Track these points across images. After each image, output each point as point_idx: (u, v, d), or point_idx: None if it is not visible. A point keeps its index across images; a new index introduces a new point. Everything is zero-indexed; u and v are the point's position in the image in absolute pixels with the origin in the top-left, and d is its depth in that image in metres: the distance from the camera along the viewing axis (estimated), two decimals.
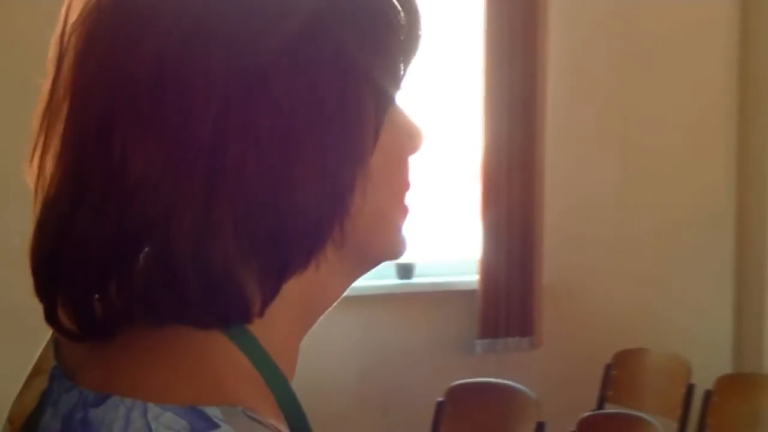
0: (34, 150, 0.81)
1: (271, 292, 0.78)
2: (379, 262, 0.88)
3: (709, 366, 4.65)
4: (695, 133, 5.23)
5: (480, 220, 4.75)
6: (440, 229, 4.85)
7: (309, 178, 0.76)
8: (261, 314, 0.78)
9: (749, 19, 5.20)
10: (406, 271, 4.75)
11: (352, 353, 4.66)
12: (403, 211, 0.87)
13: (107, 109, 0.74)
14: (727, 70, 5.27)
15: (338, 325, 4.19)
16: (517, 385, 3.97)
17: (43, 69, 0.81)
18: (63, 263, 0.76)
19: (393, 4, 0.82)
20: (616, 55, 5.07)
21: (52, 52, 0.81)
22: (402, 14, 0.82)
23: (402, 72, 0.84)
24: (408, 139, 0.86)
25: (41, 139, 0.81)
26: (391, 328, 4.77)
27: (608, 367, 4.62)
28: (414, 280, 4.81)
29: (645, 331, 5.01)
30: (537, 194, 4.81)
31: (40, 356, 0.89)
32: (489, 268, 4.77)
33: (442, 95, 4.76)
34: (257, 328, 0.79)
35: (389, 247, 0.87)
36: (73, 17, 0.80)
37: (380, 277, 4.64)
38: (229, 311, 0.77)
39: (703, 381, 4.36)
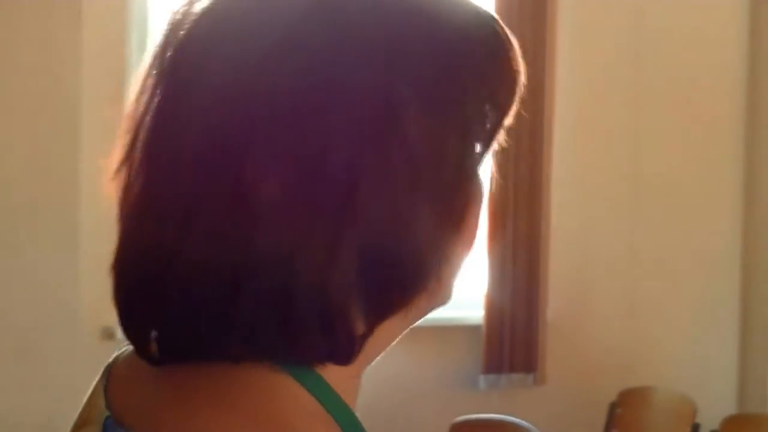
0: (123, 161, 0.78)
1: (367, 333, 0.77)
2: (430, 311, 0.86)
3: (714, 405, 4.63)
4: (704, 172, 5.23)
5: (486, 255, 4.74)
6: None
7: (427, 223, 0.75)
8: (357, 355, 0.76)
9: (760, 63, 5.21)
10: None
11: None
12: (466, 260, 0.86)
13: (240, 132, 0.72)
14: (736, 105, 5.26)
15: None
16: (522, 422, 3.94)
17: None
18: (170, 287, 0.73)
19: (514, 59, 0.83)
20: (624, 89, 5.07)
21: (148, 62, 0.79)
22: (520, 74, 0.84)
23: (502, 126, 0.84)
24: (482, 192, 0.85)
25: (130, 155, 0.78)
26: (394, 363, 4.71)
27: (613, 405, 4.59)
28: None
29: (650, 370, 4.99)
30: (543, 231, 4.81)
31: (85, 406, 0.86)
32: (494, 303, 4.76)
33: None
34: (323, 369, 0.76)
35: (450, 294, 0.86)
36: (177, 20, 0.78)
37: None
38: (337, 349, 0.75)
39: (708, 420, 4.33)
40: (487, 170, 0.84)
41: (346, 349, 0.75)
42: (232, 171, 0.71)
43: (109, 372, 0.87)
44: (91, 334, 4.13)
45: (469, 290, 4.85)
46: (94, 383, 0.87)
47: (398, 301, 0.77)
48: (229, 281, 0.71)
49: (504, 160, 4.66)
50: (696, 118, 5.17)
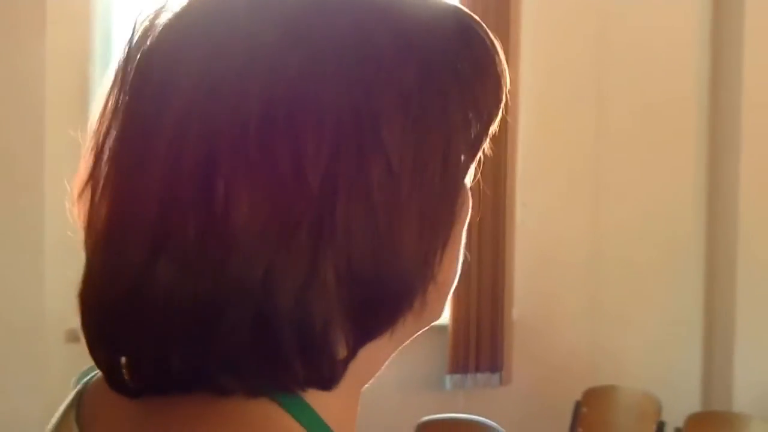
0: (85, 185, 0.74)
1: (349, 356, 0.72)
2: (420, 331, 0.82)
3: (679, 403, 4.66)
4: (666, 175, 5.26)
5: None
6: None
7: (408, 242, 0.71)
8: (339, 379, 0.72)
9: (721, 70, 5.26)
10: None
11: None
12: (456, 277, 0.83)
13: (208, 150, 0.67)
14: (698, 111, 5.30)
15: None
16: (488, 422, 3.95)
17: None
18: (140, 317, 0.68)
19: (498, 64, 0.79)
20: (587, 93, 5.09)
21: (111, 75, 0.75)
22: (504, 75, 0.79)
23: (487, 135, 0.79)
24: (469, 204, 0.81)
25: (96, 175, 0.73)
26: None
27: (578, 404, 4.61)
28: None
29: (615, 369, 5.02)
30: (507, 233, 4.82)
31: None
32: (459, 304, 4.77)
33: None
34: (313, 396, 0.72)
35: (439, 314, 0.82)
36: (138, 35, 0.74)
37: None
38: (319, 374, 0.70)
39: (673, 418, 4.36)
40: (471, 181, 0.80)
41: (327, 374, 0.71)
42: (201, 191, 0.67)
43: (80, 400, 0.83)
44: (57, 336, 4.11)
45: None
46: (61, 410, 0.83)
47: (381, 322, 0.73)
48: (202, 309, 0.67)
49: None
50: (658, 122, 5.20)
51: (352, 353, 0.72)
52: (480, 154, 0.80)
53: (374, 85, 0.70)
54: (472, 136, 0.77)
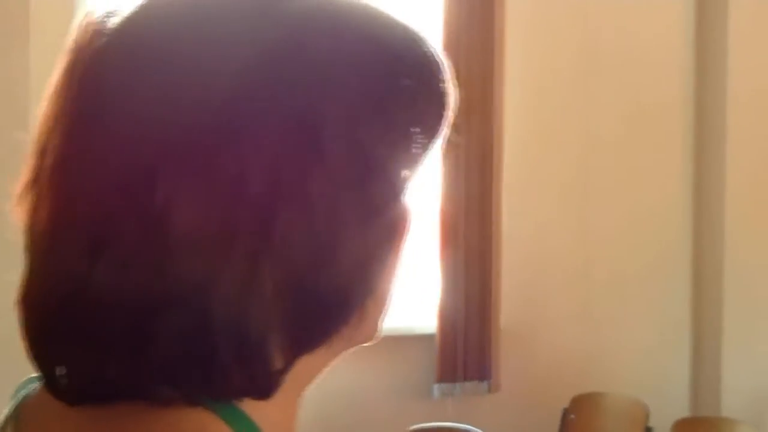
0: (30, 186, 0.73)
1: (286, 367, 0.72)
2: (358, 345, 0.81)
3: (667, 409, 4.67)
4: (653, 179, 5.28)
5: (438, 265, 4.75)
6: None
7: (348, 254, 0.71)
8: (275, 389, 0.72)
9: (705, 73, 5.28)
10: None
11: (310, 398, 4.58)
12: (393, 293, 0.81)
13: (152, 155, 0.67)
14: (683, 113, 5.32)
15: None
16: (477, 430, 3.96)
17: None
18: (77, 322, 0.68)
19: (443, 81, 0.78)
20: (573, 99, 5.10)
21: (57, 77, 0.74)
22: (446, 87, 0.79)
23: (430, 148, 0.79)
24: (409, 220, 0.79)
25: (39, 178, 0.73)
26: (348, 372, 4.72)
27: (566, 411, 4.61)
28: None
29: (602, 375, 5.02)
30: (494, 240, 4.82)
31: None
32: (447, 312, 4.77)
33: None
34: (250, 405, 0.71)
35: (375, 330, 0.81)
36: (88, 37, 0.73)
37: None
38: (254, 385, 0.70)
39: (661, 424, 4.36)
40: (415, 197, 0.78)
41: (263, 384, 0.71)
42: (143, 196, 0.66)
43: (19, 412, 0.82)
44: None
45: (422, 300, 4.86)
46: None
47: (318, 334, 0.73)
48: (139, 316, 0.66)
49: (456, 171, 4.67)
50: (645, 128, 5.22)
51: (289, 364, 0.72)
52: (421, 170, 0.79)
53: (318, 97, 0.70)
54: (414, 151, 0.76)
